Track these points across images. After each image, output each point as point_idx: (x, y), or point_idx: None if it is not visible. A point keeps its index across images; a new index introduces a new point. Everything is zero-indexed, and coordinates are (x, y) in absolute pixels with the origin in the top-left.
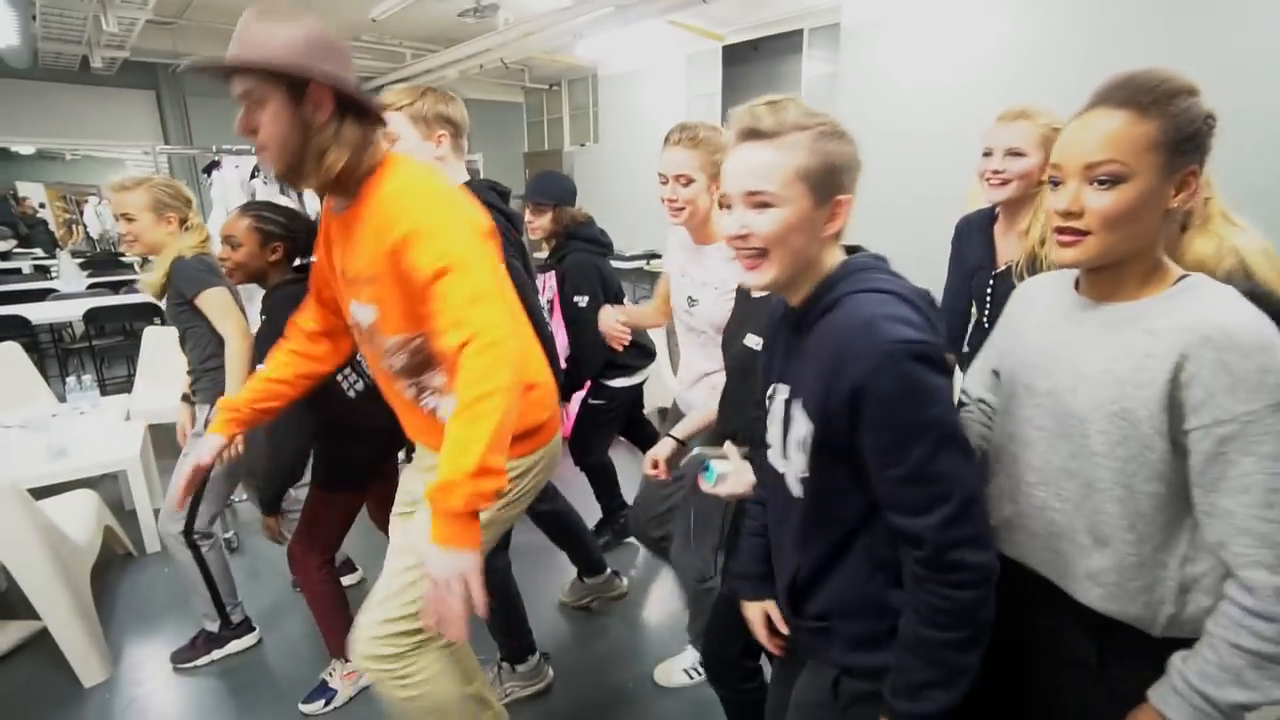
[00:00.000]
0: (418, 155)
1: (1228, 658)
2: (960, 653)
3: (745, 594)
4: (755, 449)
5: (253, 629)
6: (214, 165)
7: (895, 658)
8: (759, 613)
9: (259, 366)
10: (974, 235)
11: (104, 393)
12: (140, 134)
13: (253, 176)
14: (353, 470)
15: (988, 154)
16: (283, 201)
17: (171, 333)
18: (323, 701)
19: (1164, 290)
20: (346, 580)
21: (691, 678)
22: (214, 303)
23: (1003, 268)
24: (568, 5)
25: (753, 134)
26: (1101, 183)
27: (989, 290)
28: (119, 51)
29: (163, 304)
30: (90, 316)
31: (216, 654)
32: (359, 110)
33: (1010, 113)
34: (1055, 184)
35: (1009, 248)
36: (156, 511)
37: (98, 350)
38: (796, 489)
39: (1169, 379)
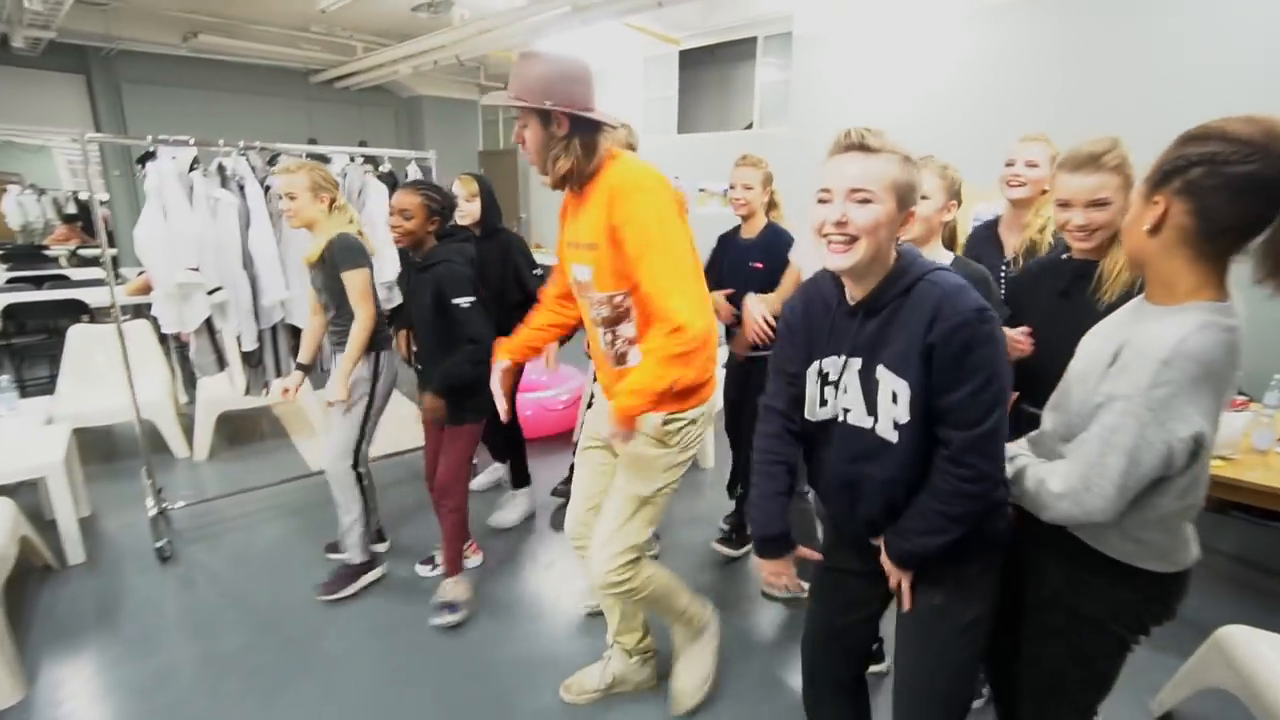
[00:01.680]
0: None
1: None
2: (951, 521)
3: (777, 553)
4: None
5: (380, 564)
6: (149, 156)
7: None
8: (785, 565)
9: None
10: (983, 241)
11: (23, 395)
12: (68, 120)
13: (192, 169)
14: (477, 409)
15: (1010, 164)
16: (221, 194)
17: (99, 330)
18: (455, 615)
19: (1182, 304)
20: (377, 548)
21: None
22: (358, 282)
23: (1010, 257)
24: (524, 4)
25: (861, 147)
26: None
27: (1002, 278)
28: (44, 32)
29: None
30: (9, 313)
31: (353, 587)
32: (589, 125)
33: (1031, 135)
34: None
35: (1010, 236)
36: (81, 521)
37: (16, 349)
38: (891, 435)
39: (1114, 349)
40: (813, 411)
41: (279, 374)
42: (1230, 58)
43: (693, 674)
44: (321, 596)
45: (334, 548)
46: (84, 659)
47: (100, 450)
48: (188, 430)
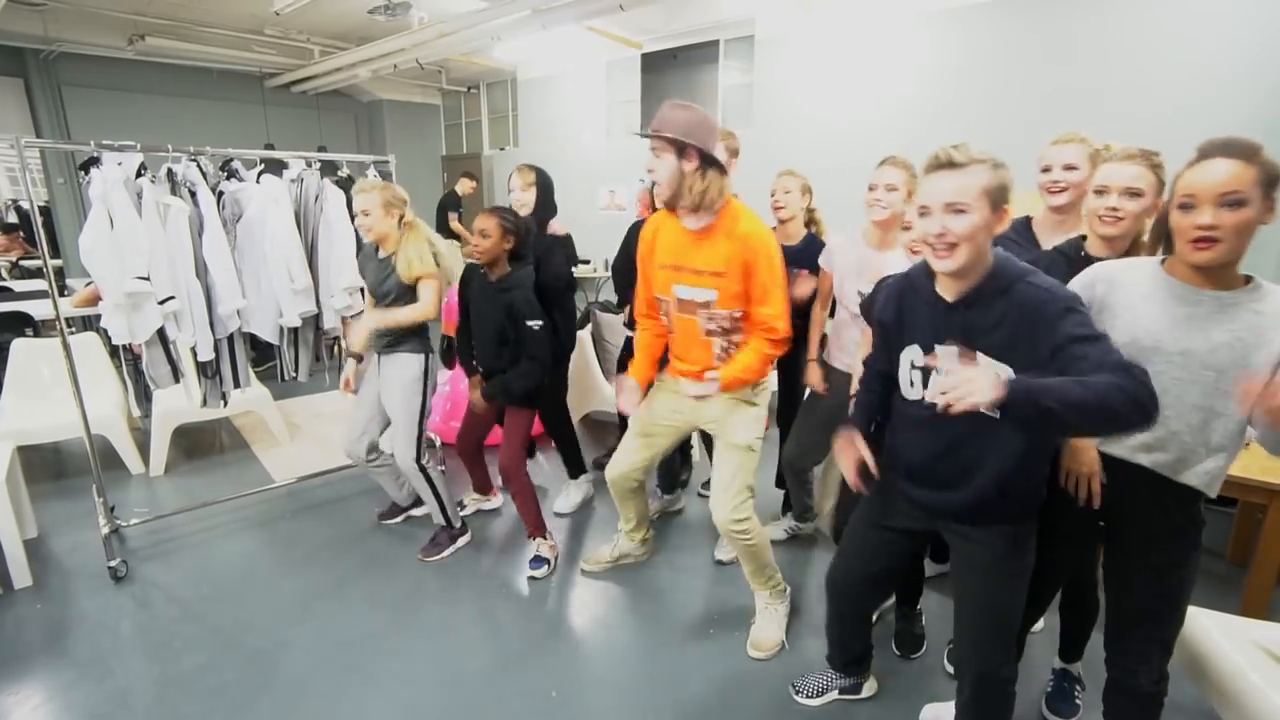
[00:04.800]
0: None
1: None
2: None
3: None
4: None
5: (467, 530)
6: (93, 162)
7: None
8: (853, 441)
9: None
10: (1014, 239)
11: None
12: (6, 125)
13: (139, 175)
14: (529, 399)
15: (1047, 170)
16: (172, 200)
17: (45, 344)
18: (545, 567)
19: (1247, 286)
20: (417, 511)
21: (787, 535)
22: (429, 290)
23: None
24: (483, 7)
25: (949, 164)
26: (1233, 205)
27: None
28: None
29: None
30: None
31: (450, 549)
32: (716, 164)
33: (1064, 137)
34: (1187, 208)
35: (1050, 237)
36: (27, 543)
37: None
38: (994, 412)
39: None
40: (907, 391)
41: (236, 385)
42: (1185, 59)
43: (771, 633)
44: (423, 558)
45: (387, 515)
46: (33, 685)
47: (48, 468)
48: (143, 445)
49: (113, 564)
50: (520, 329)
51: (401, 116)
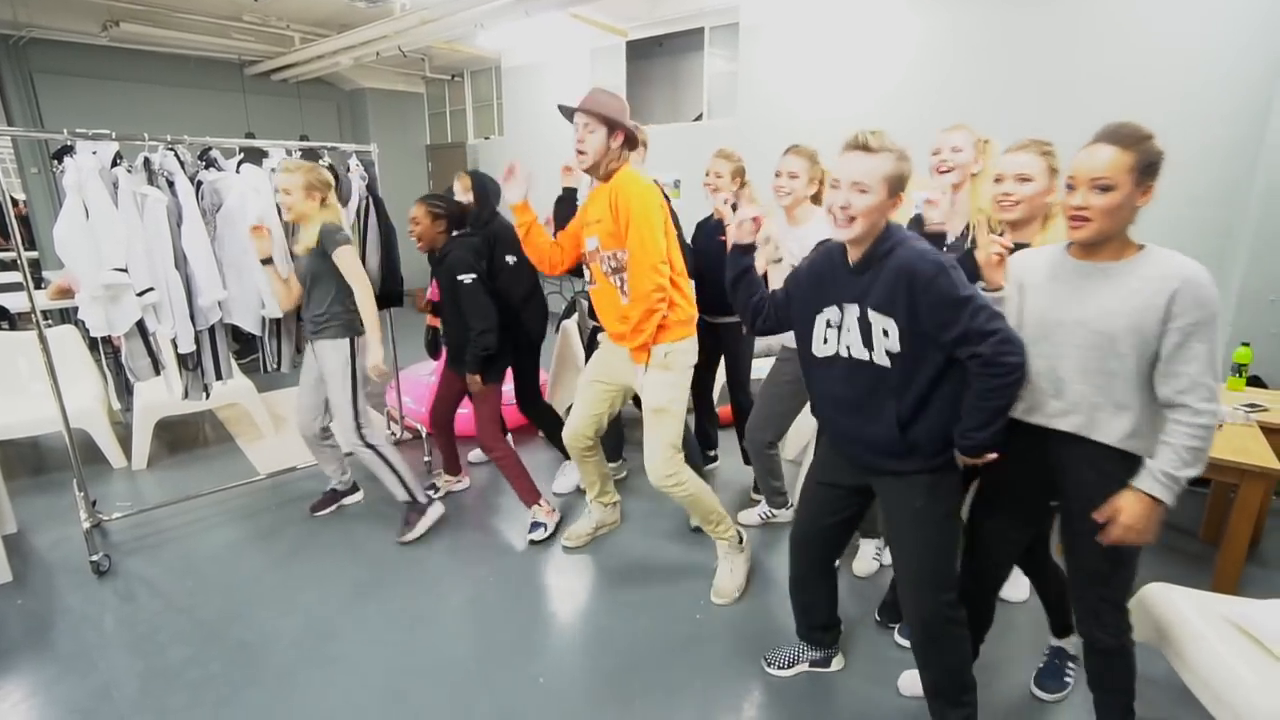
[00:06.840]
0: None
1: (1182, 453)
2: (998, 413)
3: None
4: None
5: (434, 501)
6: (66, 151)
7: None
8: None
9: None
10: (921, 222)
11: None
12: None
13: (114, 164)
14: (497, 371)
15: (936, 152)
16: (149, 190)
17: (21, 337)
18: (542, 530)
19: (1136, 255)
20: (349, 500)
21: (762, 520)
22: (347, 256)
23: (952, 239)
24: None
25: (864, 148)
26: (1102, 189)
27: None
28: None
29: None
30: None
31: (424, 524)
32: (631, 142)
33: (952, 126)
34: (1070, 189)
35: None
36: (6, 539)
37: None
38: (885, 361)
39: (1166, 303)
40: (818, 348)
41: (219, 377)
42: (1187, 47)
43: (731, 580)
44: (401, 539)
45: (319, 505)
46: (16, 680)
47: (27, 464)
48: (124, 438)
49: (95, 558)
50: (455, 288)
51: (385, 105)
